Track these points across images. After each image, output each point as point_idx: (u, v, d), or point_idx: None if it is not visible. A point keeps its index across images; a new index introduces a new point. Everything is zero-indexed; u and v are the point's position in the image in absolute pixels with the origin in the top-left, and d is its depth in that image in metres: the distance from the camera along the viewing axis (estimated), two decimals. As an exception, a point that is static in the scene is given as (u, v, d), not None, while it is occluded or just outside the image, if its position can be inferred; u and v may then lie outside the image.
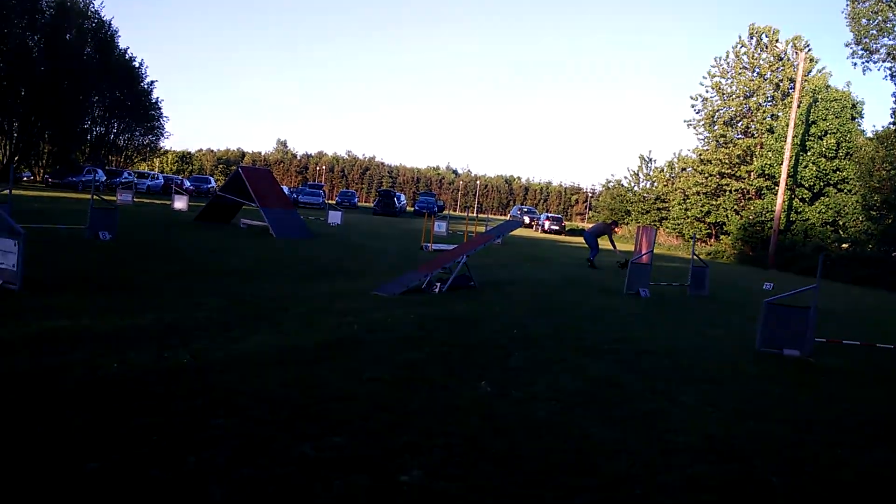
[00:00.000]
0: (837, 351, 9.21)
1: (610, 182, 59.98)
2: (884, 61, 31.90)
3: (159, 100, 55.81)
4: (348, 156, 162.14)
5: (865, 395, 7.05)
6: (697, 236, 42.68)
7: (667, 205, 48.82)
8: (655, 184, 52.11)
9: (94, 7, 47.02)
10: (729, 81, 43.92)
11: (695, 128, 45.76)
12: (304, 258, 14.59)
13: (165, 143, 63.08)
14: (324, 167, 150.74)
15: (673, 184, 48.25)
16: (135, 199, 30.95)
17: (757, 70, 43.00)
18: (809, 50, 42.37)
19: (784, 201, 33.66)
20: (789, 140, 32.50)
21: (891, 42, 31.24)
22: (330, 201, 61.71)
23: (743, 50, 43.97)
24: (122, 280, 9.49)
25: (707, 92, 44.84)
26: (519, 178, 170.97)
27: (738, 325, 11.15)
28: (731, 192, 41.65)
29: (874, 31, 31.41)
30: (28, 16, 41.46)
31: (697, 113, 45.43)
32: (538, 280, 14.60)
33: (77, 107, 46.44)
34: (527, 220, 56.41)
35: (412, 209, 65.86)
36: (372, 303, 9.55)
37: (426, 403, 5.14)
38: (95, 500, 3.23)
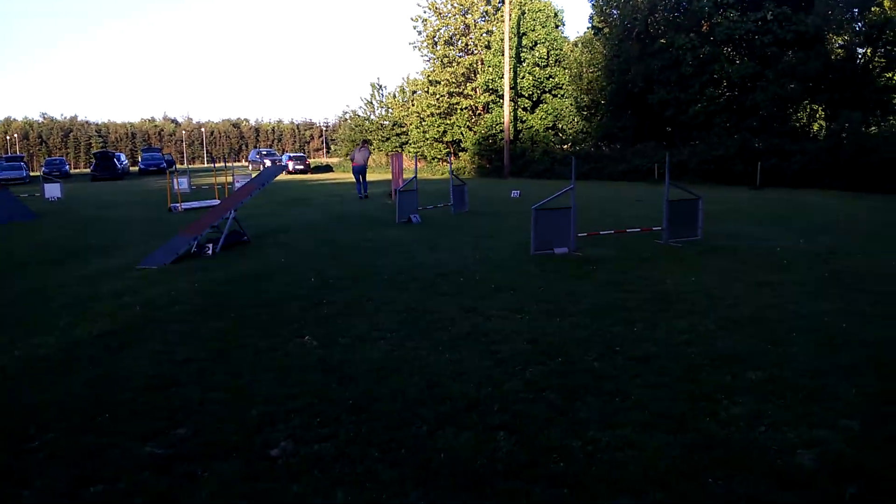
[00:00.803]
0: (596, 241, 10.37)
1: (346, 113, 59.98)
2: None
3: None
4: (44, 119, 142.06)
5: (634, 275, 8.07)
6: (438, 156, 44.67)
7: (404, 129, 50.16)
8: (391, 110, 53.09)
9: None
10: (444, 0, 45.48)
11: (419, 49, 47.01)
12: (38, 243, 12.74)
13: None
14: (16, 135, 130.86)
15: (408, 108, 49.52)
16: None
17: (469, -14, 44.94)
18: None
19: (510, 113, 36.35)
20: (506, 54, 34.84)
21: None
22: (34, 173, 54.02)
23: (452, -32, 45.53)
24: None
25: (425, 13, 46.11)
26: (247, 121, 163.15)
27: (506, 233, 11.99)
28: (461, 109, 43.90)
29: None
30: None
31: (420, 34, 46.64)
32: (309, 224, 14.35)
33: None
34: (268, 163, 54.56)
35: (137, 169, 60.19)
36: (143, 278, 8.71)
37: (258, 371, 4.89)
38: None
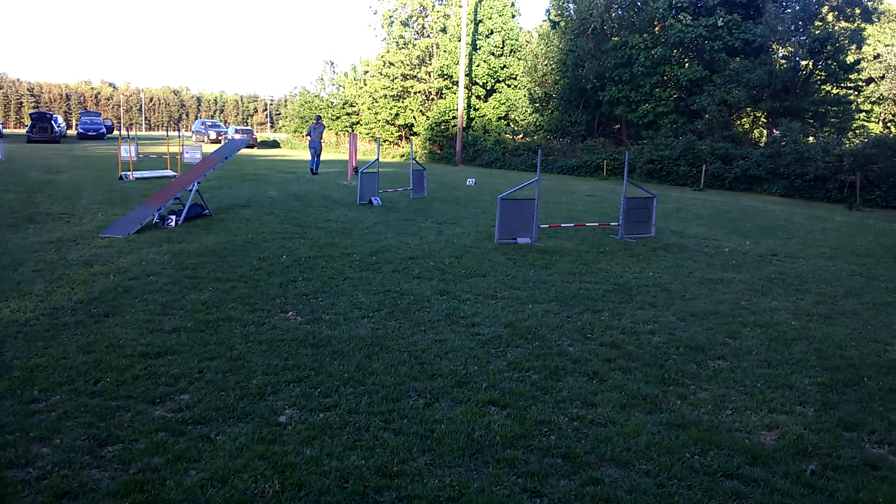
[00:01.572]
0: (554, 233, 10.77)
1: (296, 89, 59.02)
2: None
3: None
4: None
5: (595, 267, 8.47)
6: (389, 139, 44.61)
7: (355, 109, 49.84)
8: (342, 87, 52.62)
9: None
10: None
11: (375, 29, 46.85)
12: (-14, 205, 12.35)
13: None
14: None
15: (360, 87, 49.19)
16: None
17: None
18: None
19: (465, 100, 36.59)
20: (463, 40, 35.02)
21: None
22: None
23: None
24: None
25: (384, -11, 45.77)
26: (188, 89, 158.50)
27: (467, 220, 12.28)
28: (415, 93, 43.94)
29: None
30: None
31: (375, 14, 46.38)
32: (268, 201, 14.31)
33: None
34: (213, 134, 53.36)
35: (75, 133, 57.98)
36: (109, 247, 8.65)
37: (251, 343, 5.05)
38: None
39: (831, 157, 21.02)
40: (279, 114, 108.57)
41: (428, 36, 44.76)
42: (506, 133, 36.85)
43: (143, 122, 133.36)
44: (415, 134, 43.12)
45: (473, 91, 39.16)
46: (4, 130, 71.59)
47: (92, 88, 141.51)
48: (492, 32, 39.22)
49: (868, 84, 31.07)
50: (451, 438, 3.63)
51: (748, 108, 27.93)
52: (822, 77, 26.55)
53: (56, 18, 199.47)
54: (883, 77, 33.36)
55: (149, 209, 10.47)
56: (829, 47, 24.81)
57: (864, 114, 30.91)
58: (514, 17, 40.27)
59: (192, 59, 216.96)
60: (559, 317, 6.08)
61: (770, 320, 6.23)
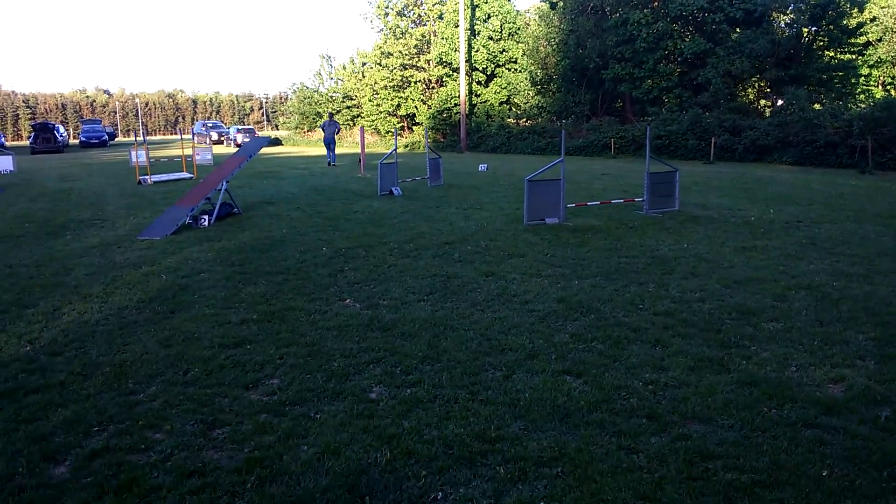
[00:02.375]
0: (580, 212, 10.92)
1: (295, 85, 59.14)
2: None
3: None
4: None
5: (628, 242, 8.63)
6: (391, 130, 44.63)
7: (355, 101, 49.87)
8: (341, 81, 52.63)
9: None
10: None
11: (371, 21, 46.74)
12: (16, 216, 12.51)
13: None
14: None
15: (359, 79, 49.18)
16: None
17: (419, -44, 44.70)
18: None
19: (466, 86, 36.61)
20: (462, 25, 35.02)
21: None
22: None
23: (403, -63, 45.14)
24: None
25: (378, -20, 45.68)
26: (183, 92, 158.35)
27: (491, 204, 12.43)
28: (415, 83, 43.94)
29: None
30: None
31: (370, 4, 46.27)
32: (291, 196, 14.48)
33: None
34: (215, 135, 53.49)
35: (77, 141, 58.13)
36: (151, 248, 8.85)
37: (320, 330, 5.24)
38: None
39: (840, 123, 21.08)
40: (275, 111, 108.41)
41: (424, 24, 44.70)
42: (509, 117, 36.87)
43: (141, 126, 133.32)
44: (417, 123, 43.15)
45: (474, 77, 39.17)
46: (6, 143, 71.83)
47: (87, 97, 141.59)
48: (489, 16, 39.15)
49: (866, 48, 31.00)
50: (538, 406, 3.82)
51: (753, 79, 27.96)
52: (825, 43, 26.55)
53: (47, 29, 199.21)
54: (880, 40, 33.27)
55: (181, 210, 10.65)
56: (830, 12, 24.81)
57: (863, 78, 30.87)
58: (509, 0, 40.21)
59: (185, 62, 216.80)
60: (607, 290, 6.26)
61: (811, 282, 6.40)
